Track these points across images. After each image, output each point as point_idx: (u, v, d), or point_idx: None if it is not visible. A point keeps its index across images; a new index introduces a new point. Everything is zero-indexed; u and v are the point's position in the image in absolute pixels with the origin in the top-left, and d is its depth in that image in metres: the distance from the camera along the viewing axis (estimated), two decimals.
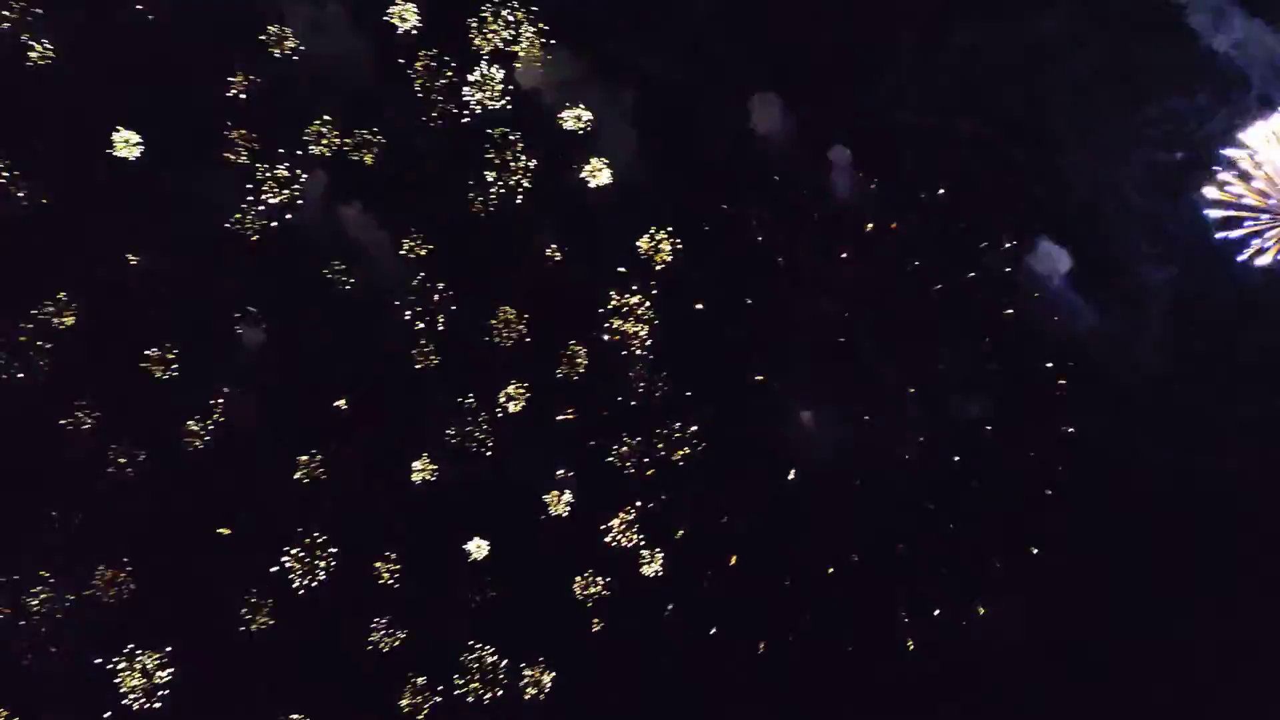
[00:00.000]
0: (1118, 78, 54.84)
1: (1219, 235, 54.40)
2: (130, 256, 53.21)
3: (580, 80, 55.69)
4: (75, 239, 52.94)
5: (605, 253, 55.79)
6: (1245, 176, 53.33)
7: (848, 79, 56.88)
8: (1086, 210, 55.28)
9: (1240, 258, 53.91)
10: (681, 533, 53.90)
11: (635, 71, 55.89)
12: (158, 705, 50.36)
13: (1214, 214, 53.92)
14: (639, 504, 53.95)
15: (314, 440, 53.04)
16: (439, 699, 52.01)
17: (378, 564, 52.84)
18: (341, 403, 53.61)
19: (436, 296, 54.41)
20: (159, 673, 50.58)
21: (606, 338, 55.10)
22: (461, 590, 52.88)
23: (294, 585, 51.92)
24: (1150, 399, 53.86)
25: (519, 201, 55.18)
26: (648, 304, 54.91)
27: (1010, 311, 54.58)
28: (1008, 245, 55.28)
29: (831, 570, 52.67)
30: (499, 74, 55.35)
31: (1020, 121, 55.53)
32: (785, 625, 52.70)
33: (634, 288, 55.06)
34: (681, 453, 54.19)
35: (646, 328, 55.08)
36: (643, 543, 53.61)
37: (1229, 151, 54.12)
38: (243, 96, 54.02)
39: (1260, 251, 53.68)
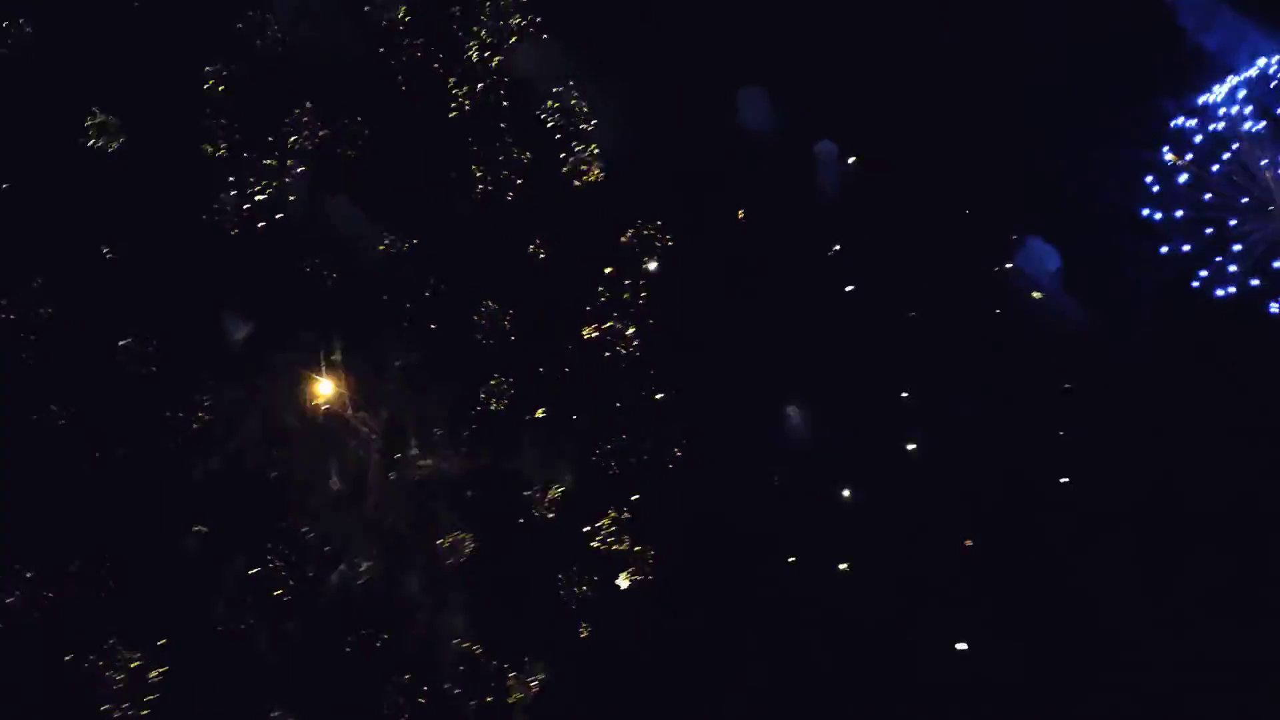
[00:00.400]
0: (1105, 76, 54.65)
1: (1164, 249, 52.72)
2: (106, 248, 52.27)
3: (571, 72, 55.18)
4: (52, 229, 51.89)
5: (593, 249, 55.47)
6: (1205, 162, 51.85)
7: (836, 75, 56.38)
8: (1074, 209, 54.72)
9: (1195, 284, 52.31)
10: (669, 535, 53.43)
11: (625, 65, 55.23)
12: (144, 713, 49.45)
13: (1159, 216, 52.96)
14: (627, 507, 53.41)
15: (295, 436, 52.12)
16: (422, 700, 51.23)
17: (359, 562, 51.98)
18: (321, 398, 52.63)
19: (428, 293, 53.72)
20: (147, 674, 49.64)
21: (593, 335, 54.60)
22: (446, 590, 52.02)
23: (277, 584, 51.04)
24: (1142, 401, 53.17)
25: (509, 198, 54.58)
26: (639, 300, 54.63)
27: (999, 311, 54.52)
28: (996, 243, 55.28)
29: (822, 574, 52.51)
30: (492, 64, 54.82)
31: (1008, 119, 55.23)
32: (774, 629, 52.40)
33: (625, 283, 54.78)
34: (673, 454, 53.85)
35: (633, 326, 54.62)
36: (631, 546, 53.14)
37: (1180, 121, 52.99)
38: (221, 88, 53.04)
39: (1223, 277, 51.57)
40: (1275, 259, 51.44)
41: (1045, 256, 54.83)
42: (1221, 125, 52.52)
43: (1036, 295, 54.96)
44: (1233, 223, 51.78)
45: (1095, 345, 53.36)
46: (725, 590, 52.61)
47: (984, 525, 52.63)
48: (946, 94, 55.72)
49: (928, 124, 55.71)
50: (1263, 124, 51.72)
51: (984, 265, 55.49)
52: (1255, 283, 51.74)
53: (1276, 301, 51.90)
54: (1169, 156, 52.44)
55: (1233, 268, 51.91)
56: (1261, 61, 52.14)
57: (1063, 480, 53.69)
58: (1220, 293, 52.33)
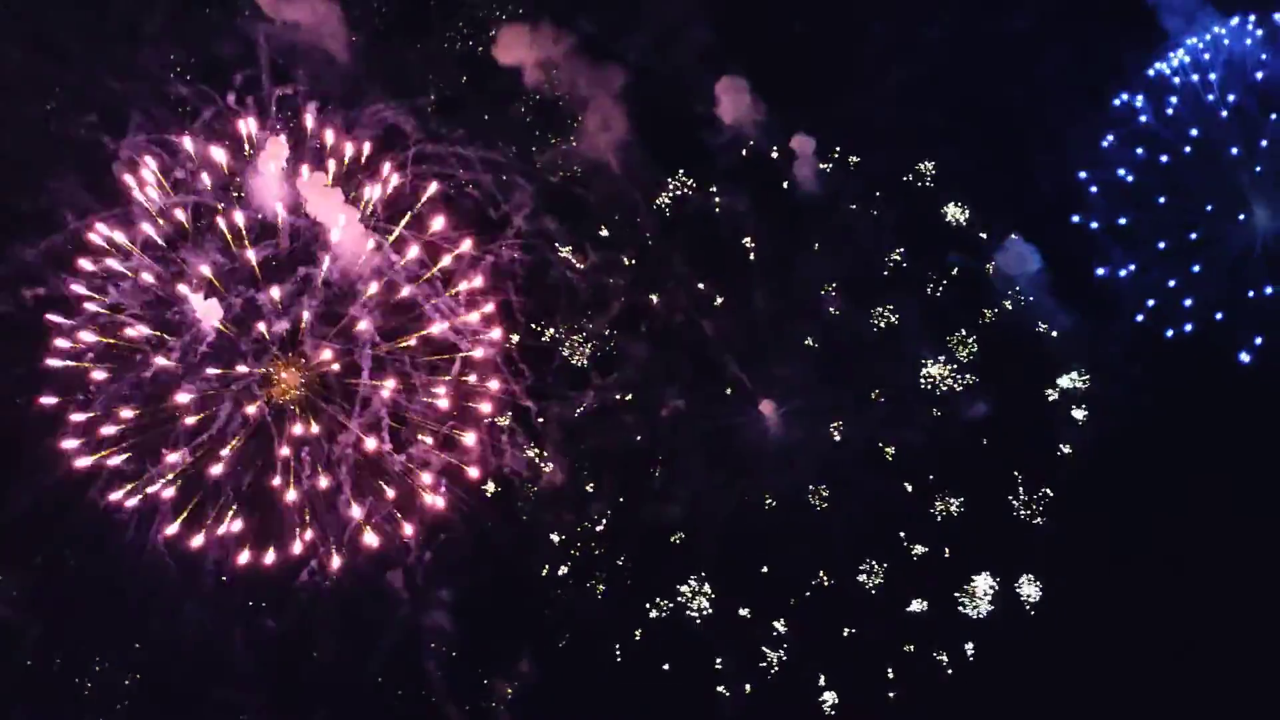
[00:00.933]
0: (1089, 76, 54.04)
1: (1101, 271, 47.76)
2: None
3: (558, 60, 55.35)
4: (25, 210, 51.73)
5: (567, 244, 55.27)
6: (1155, 149, 46.59)
7: (819, 70, 56.55)
8: (1055, 208, 52.70)
9: (1139, 317, 46.89)
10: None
11: (612, 54, 55.56)
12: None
13: (1095, 224, 48.54)
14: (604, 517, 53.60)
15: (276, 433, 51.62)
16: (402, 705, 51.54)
17: (333, 564, 51.55)
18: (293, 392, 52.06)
19: (412, 290, 53.06)
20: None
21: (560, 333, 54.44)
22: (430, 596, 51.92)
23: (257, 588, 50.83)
24: (1127, 403, 50.80)
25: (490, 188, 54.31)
26: (621, 299, 54.74)
27: (984, 313, 53.77)
28: (978, 238, 54.71)
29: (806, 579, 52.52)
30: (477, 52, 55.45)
31: (991, 118, 54.76)
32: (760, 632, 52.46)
33: (610, 281, 54.77)
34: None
35: (610, 327, 54.73)
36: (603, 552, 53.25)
37: (1124, 98, 48.02)
38: (188, 76, 53.13)
39: (1177, 313, 45.43)
40: (1245, 285, 44.99)
41: (1025, 256, 53.07)
42: (1175, 100, 46.32)
43: (1018, 295, 53.41)
44: (1193, 236, 45.75)
45: (1077, 348, 51.92)
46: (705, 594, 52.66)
47: (959, 526, 52.56)
48: (926, 91, 55.62)
49: (908, 120, 55.69)
50: (1231, 97, 45.21)
51: (963, 263, 55.21)
52: (1219, 317, 45.58)
53: (1247, 350, 45.13)
54: (1109, 141, 46.47)
55: (1188, 301, 45.70)
56: (1235, 22, 46.43)
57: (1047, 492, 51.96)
58: (1170, 333, 46.19)
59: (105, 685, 49.46)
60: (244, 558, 48.66)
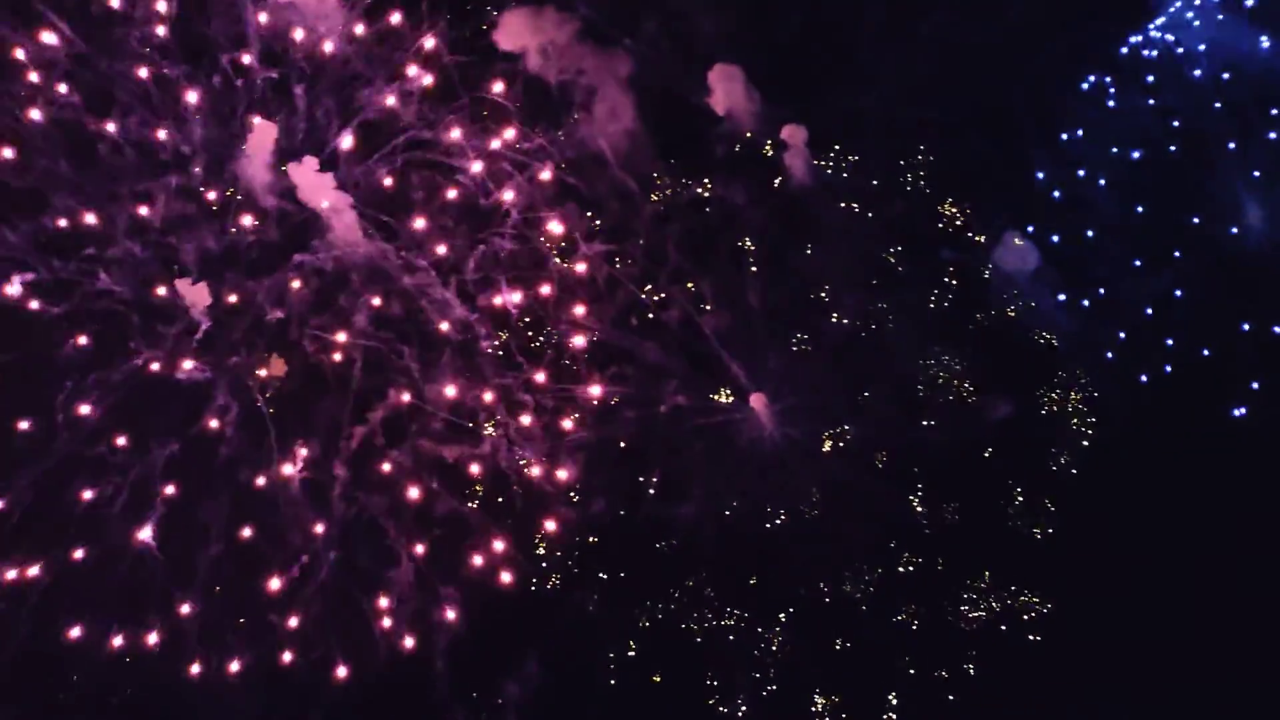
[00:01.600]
0: (1084, 71, 53.93)
1: (1061, 296, 41.86)
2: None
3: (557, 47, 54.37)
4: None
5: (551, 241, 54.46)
6: (1126, 142, 42.10)
7: (814, 63, 56.33)
8: (1051, 207, 51.22)
9: (1109, 355, 41.43)
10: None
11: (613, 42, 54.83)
12: None
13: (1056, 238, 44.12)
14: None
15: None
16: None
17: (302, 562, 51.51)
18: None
19: (409, 281, 52.56)
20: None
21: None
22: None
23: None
24: (1127, 406, 49.07)
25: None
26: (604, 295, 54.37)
27: (980, 316, 52.89)
28: (975, 238, 53.83)
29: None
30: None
31: (986, 114, 53.94)
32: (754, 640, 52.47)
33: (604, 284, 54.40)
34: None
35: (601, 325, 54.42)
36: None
37: (1092, 79, 43.14)
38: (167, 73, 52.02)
39: (1155, 351, 39.59)
40: (1240, 312, 39.27)
41: (1024, 254, 50.93)
42: (1153, 79, 40.86)
43: (1012, 295, 51.43)
44: (1177, 254, 40.32)
45: (1078, 350, 49.79)
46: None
47: (952, 532, 52.34)
48: (922, 84, 55.03)
49: (903, 114, 55.23)
50: (1226, 76, 39.74)
51: (959, 261, 54.28)
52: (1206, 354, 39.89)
53: (1240, 403, 39.04)
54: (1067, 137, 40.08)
55: (1170, 341, 40.27)
56: None
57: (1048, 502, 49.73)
58: (1146, 378, 41.01)
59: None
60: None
